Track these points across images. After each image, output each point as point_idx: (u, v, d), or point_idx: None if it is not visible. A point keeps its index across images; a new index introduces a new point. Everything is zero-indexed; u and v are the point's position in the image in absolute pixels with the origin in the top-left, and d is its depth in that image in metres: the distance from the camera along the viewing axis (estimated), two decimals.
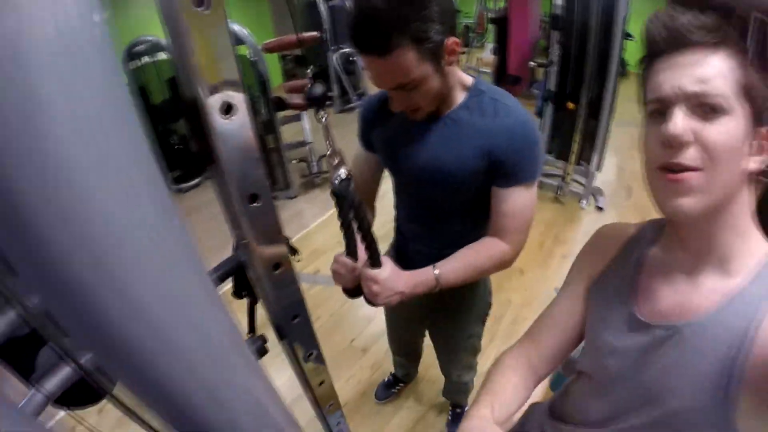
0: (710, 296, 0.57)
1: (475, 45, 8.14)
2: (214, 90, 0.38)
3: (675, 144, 0.52)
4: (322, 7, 5.95)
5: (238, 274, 0.66)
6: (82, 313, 0.29)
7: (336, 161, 0.79)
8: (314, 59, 6.61)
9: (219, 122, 0.39)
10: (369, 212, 1.22)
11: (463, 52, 8.47)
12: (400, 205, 1.23)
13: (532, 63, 4.60)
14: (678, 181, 0.53)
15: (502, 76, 7.31)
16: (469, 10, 10.38)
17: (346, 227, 0.86)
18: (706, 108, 0.52)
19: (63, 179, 0.25)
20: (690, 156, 0.52)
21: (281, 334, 0.62)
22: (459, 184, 1.01)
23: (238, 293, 0.68)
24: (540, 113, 3.92)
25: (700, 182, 0.53)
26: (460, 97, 0.99)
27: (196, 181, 4.56)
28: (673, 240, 0.65)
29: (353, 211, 0.81)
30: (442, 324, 1.48)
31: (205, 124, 0.40)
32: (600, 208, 3.80)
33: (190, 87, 0.39)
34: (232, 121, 0.39)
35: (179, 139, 4.47)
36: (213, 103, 0.39)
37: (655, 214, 0.66)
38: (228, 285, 0.68)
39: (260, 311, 0.67)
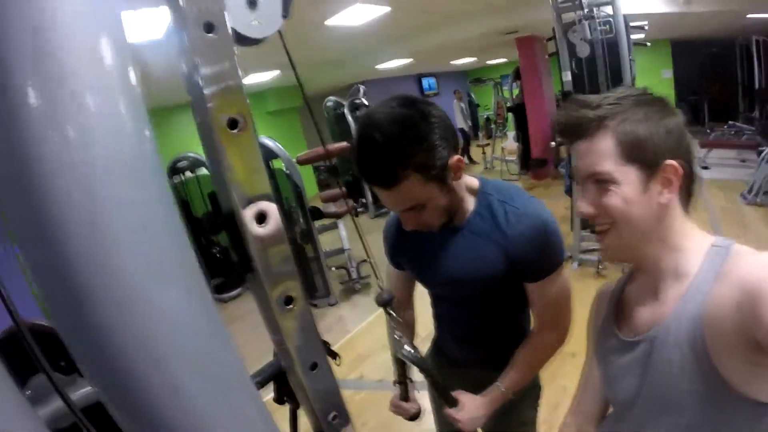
0: (670, 302, 0.68)
1: (497, 135, 8.38)
2: (248, 202, 0.42)
3: (584, 218, 0.71)
4: (350, 118, 6.42)
5: (279, 380, 0.65)
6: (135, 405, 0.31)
7: (400, 336, 0.95)
8: (346, 168, 6.94)
9: (255, 230, 0.42)
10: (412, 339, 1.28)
11: (488, 144, 8.76)
12: (434, 307, 1.24)
13: (553, 143, 4.64)
14: (599, 240, 0.72)
15: (527, 161, 7.38)
16: (488, 102, 10.80)
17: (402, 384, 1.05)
18: (600, 181, 0.67)
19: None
20: (599, 222, 0.70)
21: None
22: (488, 288, 1.03)
23: (279, 399, 0.67)
24: (569, 191, 3.92)
25: (609, 240, 0.70)
26: (471, 203, 1.00)
27: (238, 291, 4.64)
28: (636, 270, 0.79)
29: (425, 371, 0.98)
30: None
31: (243, 233, 0.43)
32: None
33: (228, 200, 0.42)
34: (266, 229, 0.43)
35: (220, 250, 4.67)
36: (249, 213, 0.42)
37: None
38: (270, 393, 0.67)
39: (303, 420, 0.65)
